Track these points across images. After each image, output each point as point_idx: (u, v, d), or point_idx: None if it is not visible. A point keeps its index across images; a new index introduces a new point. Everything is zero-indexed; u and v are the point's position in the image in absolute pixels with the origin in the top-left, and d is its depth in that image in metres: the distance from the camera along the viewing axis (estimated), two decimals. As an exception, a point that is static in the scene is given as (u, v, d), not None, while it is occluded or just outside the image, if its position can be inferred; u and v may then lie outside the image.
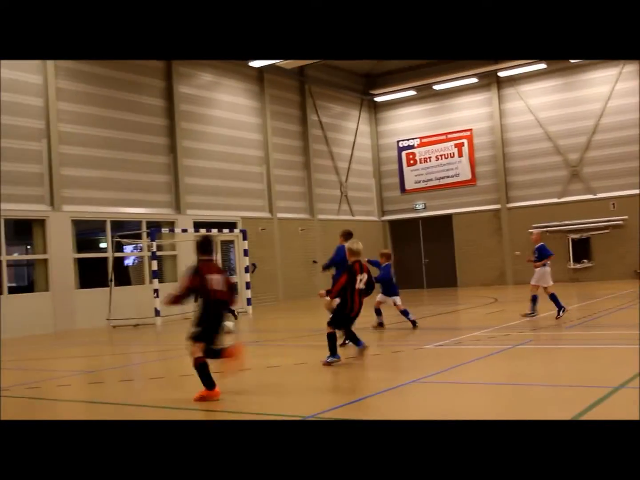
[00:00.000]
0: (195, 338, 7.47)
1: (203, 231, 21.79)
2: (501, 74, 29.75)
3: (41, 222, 19.95)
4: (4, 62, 18.97)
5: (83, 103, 21.29)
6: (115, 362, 12.41)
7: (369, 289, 9.76)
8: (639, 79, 27.56)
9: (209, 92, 25.63)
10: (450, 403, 6.75)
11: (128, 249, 23.43)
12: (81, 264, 21.05)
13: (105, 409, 7.66)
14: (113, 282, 20.36)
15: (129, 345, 15.42)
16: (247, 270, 22.44)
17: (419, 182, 32.58)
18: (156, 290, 19.22)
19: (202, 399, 7.33)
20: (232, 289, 7.92)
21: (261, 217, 26.96)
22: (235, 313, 18.36)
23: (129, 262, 24.24)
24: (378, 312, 13.85)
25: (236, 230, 23.57)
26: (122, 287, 21.32)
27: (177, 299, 7.56)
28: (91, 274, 21.50)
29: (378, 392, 7.49)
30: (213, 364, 7.48)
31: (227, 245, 25.60)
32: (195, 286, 7.49)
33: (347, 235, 11.97)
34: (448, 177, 31.82)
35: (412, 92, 31.94)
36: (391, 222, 33.61)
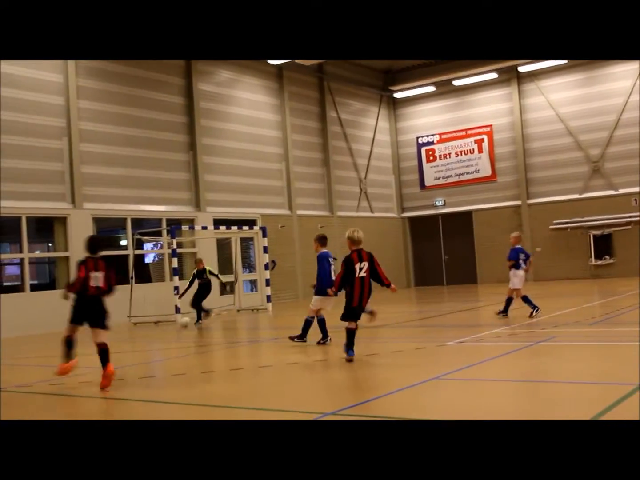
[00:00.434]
0: (71, 321, 8.77)
1: (223, 228, 21.93)
2: (521, 69, 29.56)
3: (62, 220, 20.12)
4: (25, 61, 19.15)
5: (103, 101, 21.42)
6: (135, 359, 12.49)
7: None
8: (662, 73, 27.29)
9: (228, 89, 25.69)
10: (471, 401, 6.72)
11: (148, 246, 23.56)
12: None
13: (126, 406, 7.71)
14: (134, 280, 20.47)
15: (150, 342, 15.51)
16: (266, 267, 22.47)
17: (439, 178, 32.46)
18: (176, 288, 19.29)
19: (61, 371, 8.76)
20: (111, 286, 8.95)
21: (281, 214, 27.00)
22: (208, 310, 18.65)
23: (149, 259, 24.37)
24: None
25: (256, 228, 23.61)
26: (143, 284, 21.43)
27: (71, 288, 8.77)
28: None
29: (398, 390, 7.47)
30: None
31: (247, 242, 25.68)
32: (82, 278, 8.56)
33: (322, 240, 11.90)
34: (468, 173, 31.67)
35: (431, 88, 31.82)
36: (411, 218, 33.53)
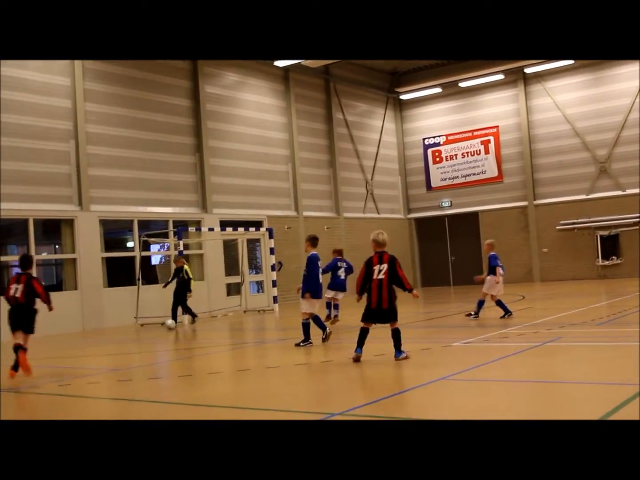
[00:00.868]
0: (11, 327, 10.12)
1: (229, 230, 22.02)
2: (528, 70, 29.52)
3: (70, 222, 20.18)
4: (32, 64, 19.23)
5: (110, 104, 21.48)
6: (143, 360, 12.51)
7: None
8: (669, 74, 27.20)
9: (234, 91, 25.72)
10: (478, 401, 6.71)
11: (155, 248, 23.60)
12: (109, 263, 21.27)
13: (133, 407, 7.72)
14: (140, 281, 20.52)
15: (157, 343, 15.53)
16: (273, 268, 22.49)
17: (445, 179, 32.43)
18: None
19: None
20: (29, 295, 10.12)
21: (287, 215, 27.01)
22: (194, 313, 18.93)
23: (156, 261, 24.42)
24: (328, 305, 14.53)
25: (262, 229, 23.66)
26: (150, 285, 21.50)
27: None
28: (119, 273, 21.72)
29: (407, 390, 7.47)
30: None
31: (254, 243, 25.71)
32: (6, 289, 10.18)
33: (313, 240, 11.89)
34: (474, 174, 31.64)
35: (437, 90, 31.80)
36: (417, 219, 33.51)
